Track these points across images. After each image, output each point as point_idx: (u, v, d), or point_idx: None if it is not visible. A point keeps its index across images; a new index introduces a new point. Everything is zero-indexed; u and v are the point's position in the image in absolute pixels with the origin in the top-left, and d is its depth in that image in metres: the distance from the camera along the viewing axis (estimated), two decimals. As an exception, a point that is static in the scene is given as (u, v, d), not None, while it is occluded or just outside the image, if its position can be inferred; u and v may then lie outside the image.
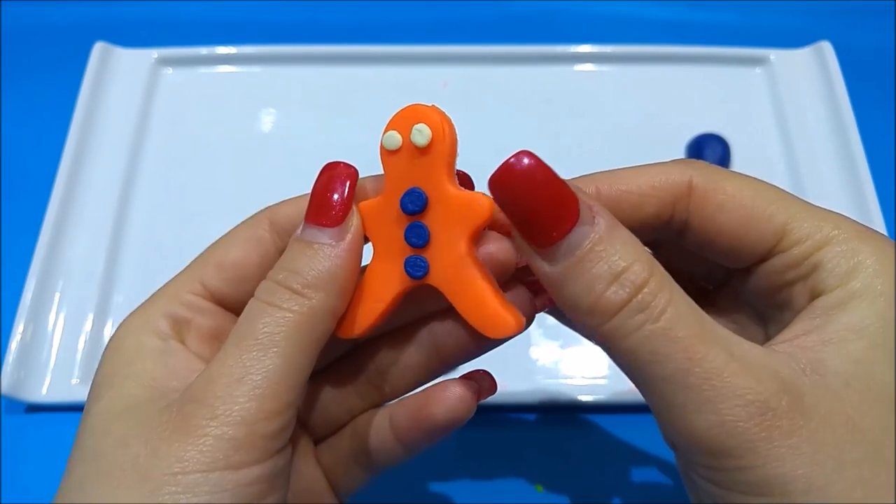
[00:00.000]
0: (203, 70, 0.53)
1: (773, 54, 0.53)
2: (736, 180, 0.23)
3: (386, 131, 0.23)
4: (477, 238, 0.23)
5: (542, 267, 0.20)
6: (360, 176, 0.24)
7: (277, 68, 0.53)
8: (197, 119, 0.51)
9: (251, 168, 0.49)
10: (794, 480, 0.18)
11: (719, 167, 0.23)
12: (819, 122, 0.50)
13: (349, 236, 0.23)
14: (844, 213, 0.46)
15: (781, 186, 0.49)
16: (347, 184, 0.23)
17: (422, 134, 0.22)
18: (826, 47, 0.52)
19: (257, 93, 0.52)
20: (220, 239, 0.26)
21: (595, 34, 0.56)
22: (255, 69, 0.53)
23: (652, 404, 0.20)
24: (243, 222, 0.26)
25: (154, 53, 0.53)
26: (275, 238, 0.25)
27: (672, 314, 0.19)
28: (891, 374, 0.19)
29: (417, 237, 0.23)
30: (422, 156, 0.23)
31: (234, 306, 0.25)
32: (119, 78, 0.52)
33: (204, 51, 0.53)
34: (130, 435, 0.21)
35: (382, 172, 0.24)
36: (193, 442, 0.20)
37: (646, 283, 0.19)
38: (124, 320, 0.25)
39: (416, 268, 0.23)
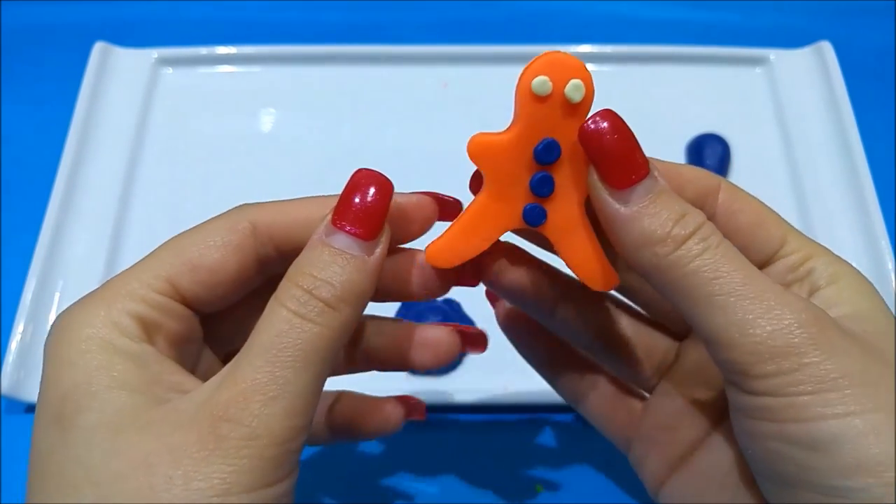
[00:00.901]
0: (203, 70, 0.53)
1: (773, 54, 0.53)
2: (751, 196, 0.27)
3: (535, 74, 0.23)
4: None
5: (616, 208, 0.23)
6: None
7: (277, 68, 0.53)
8: (197, 119, 0.51)
9: (251, 168, 0.49)
10: (853, 373, 0.20)
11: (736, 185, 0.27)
12: (819, 122, 0.50)
13: (379, 251, 0.23)
14: (845, 213, 0.47)
15: (781, 186, 0.49)
16: (384, 199, 0.23)
17: (579, 91, 0.23)
18: (826, 47, 0.52)
19: (257, 93, 0.52)
20: (191, 234, 0.24)
21: (595, 34, 0.56)
22: (255, 69, 0.53)
23: (710, 325, 0.22)
24: (219, 219, 0.25)
25: (154, 53, 0.53)
26: (256, 245, 0.24)
27: (727, 246, 0.22)
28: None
29: (544, 188, 0.24)
30: (569, 110, 0.23)
31: (203, 309, 0.25)
32: (119, 78, 0.52)
33: (204, 51, 0.53)
34: (153, 453, 0.20)
35: (421, 191, 0.24)
36: (234, 463, 0.20)
37: (703, 223, 0.23)
38: (70, 318, 0.22)
39: (536, 216, 0.24)
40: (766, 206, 0.26)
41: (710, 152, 0.49)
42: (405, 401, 0.31)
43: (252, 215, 0.25)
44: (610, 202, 0.23)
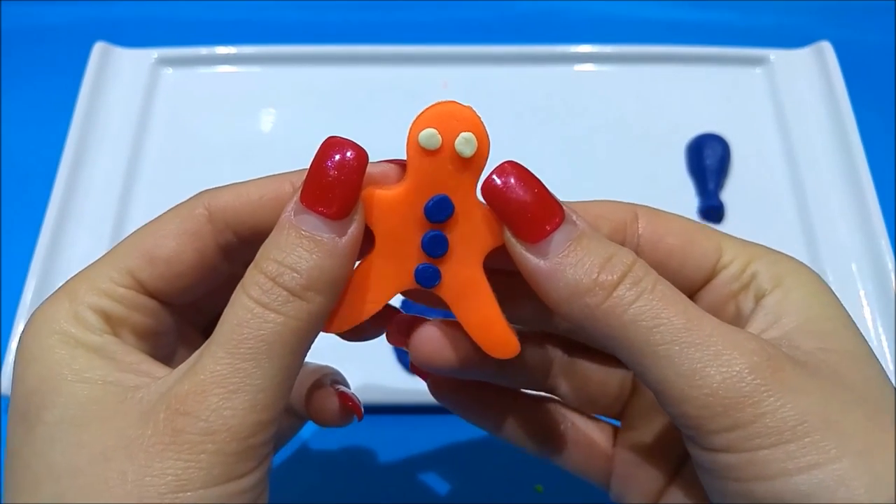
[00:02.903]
0: (203, 70, 0.53)
1: (773, 54, 0.53)
2: (671, 214, 0.25)
3: (423, 126, 0.21)
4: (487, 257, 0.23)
5: (536, 263, 0.21)
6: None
7: (277, 68, 0.53)
8: (197, 119, 0.51)
9: (251, 168, 0.49)
10: (812, 417, 0.19)
11: (653, 207, 0.25)
12: (819, 122, 0.50)
13: (352, 231, 0.21)
14: (844, 214, 0.47)
15: (781, 186, 0.49)
16: (358, 171, 0.21)
17: (470, 145, 0.21)
18: (826, 47, 0.52)
19: (257, 93, 0.52)
20: (149, 225, 0.23)
21: (595, 34, 0.56)
22: (255, 69, 0.53)
23: (657, 378, 0.20)
24: (177, 208, 0.24)
25: (154, 53, 0.53)
26: (213, 231, 0.23)
27: (664, 286, 0.21)
28: (854, 340, 0.21)
29: (436, 248, 0.22)
30: (460, 165, 0.21)
31: (170, 300, 0.24)
32: (119, 78, 0.52)
33: (204, 51, 0.53)
34: (110, 447, 0.19)
35: (387, 159, 0.23)
36: (190, 458, 0.19)
37: (634, 264, 0.21)
38: (36, 315, 0.22)
39: (429, 278, 0.23)
40: (690, 221, 0.25)
41: (710, 152, 0.49)
42: (343, 398, 0.28)
43: (207, 200, 0.23)
44: (529, 258, 0.21)
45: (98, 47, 0.52)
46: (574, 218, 0.22)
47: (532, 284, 0.22)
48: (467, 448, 0.40)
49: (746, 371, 0.19)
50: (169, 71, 0.53)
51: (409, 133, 0.21)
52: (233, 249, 0.24)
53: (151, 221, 0.24)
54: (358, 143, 0.21)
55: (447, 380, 0.29)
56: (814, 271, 0.23)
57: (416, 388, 0.41)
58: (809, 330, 0.21)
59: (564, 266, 0.21)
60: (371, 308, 0.23)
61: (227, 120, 0.51)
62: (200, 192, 0.24)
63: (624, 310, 0.20)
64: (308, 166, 0.21)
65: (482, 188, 0.21)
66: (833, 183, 0.48)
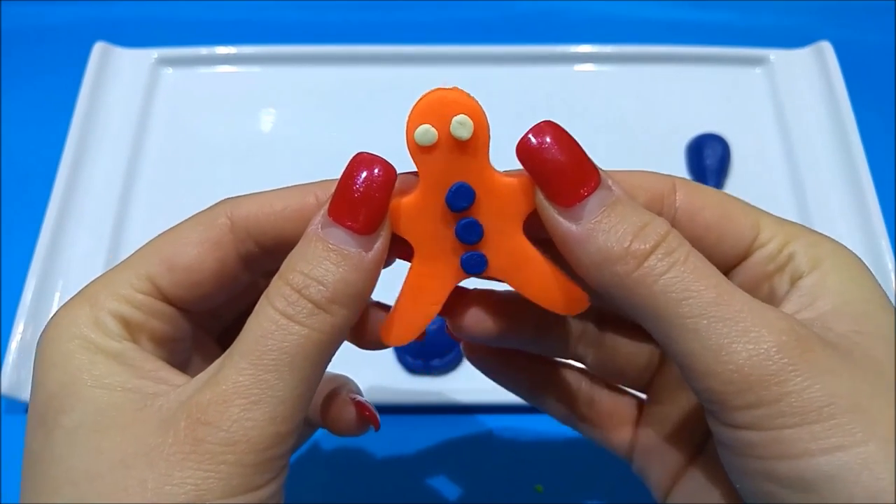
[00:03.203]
0: (203, 70, 0.53)
1: (773, 54, 0.53)
2: (710, 189, 0.24)
3: (415, 124, 0.21)
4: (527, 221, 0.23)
5: (568, 227, 0.21)
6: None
7: (277, 68, 0.53)
8: (197, 119, 0.51)
9: (251, 168, 0.49)
10: (840, 400, 0.18)
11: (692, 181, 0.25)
12: (819, 122, 0.50)
13: (378, 246, 0.21)
14: (845, 213, 0.47)
15: (781, 186, 0.49)
16: (386, 188, 0.21)
17: (465, 127, 0.21)
18: (826, 47, 0.52)
19: (257, 93, 0.52)
20: (170, 232, 0.24)
21: (595, 34, 0.56)
22: (255, 69, 0.53)
23: (684, 350, 0.20)
24: (198, 216, 0.24)
25: (154, 53, 0.53)
26: (235, 240, 0.23)
27: (696, 258, 0.20)
28: (892, 323, 0.21)
29: (472, 234, 0.22)
30: (463, 148, 0.21)
31: (189, 307, 0.24)
32: (119, 78, 0.52)
33: (204, 51, 0.53)
34: (130, 454, 0.19)
35: (407, 172, 0.23)
36: (210, 468, 0.19)
37: (668, 233, 0.21)
38: (57, 320, 0.22)
39: (476, 264, 0.23)
40: (729, 196, 0.24)
41: (710, 152, 0.49)
42: (360, 407, 0.28)
43: (230, 210, 0.23)
44: (561, 222, 0.21)
45: (98, 47, 0.52)
46: (610, 183, 0.21)
47: (562, 249, 0.22)
48: (467, 448, 0.40)
49: (774, 349, 0.19)
50: (169, 71, 0.53)
51: (406, 134, 0.21)
52: (253, 259, 0.24)
53: (172, 228, 0.24)
54: (386, 159, 0.21)
55: (480, 345, 0.29)
56: (854, 253, 0.23)
57: (416, 389, 0.41)
58: (845, 312, 0.21)
59: (597, 232, 0.21)
60: (432, 310, 0.23)
61: (227, 120, 0.51)
62: (222, 201, 0.24)
63: (654, 280, 0.20)
64: (337, 179, 0.21)
65: (517, 147, 0.21)
66: (833, 183, 0.48)
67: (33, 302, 0.43)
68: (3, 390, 0.40)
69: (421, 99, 0.21)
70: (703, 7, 0.59)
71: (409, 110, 0.21)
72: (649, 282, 0.20)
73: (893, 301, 0.35)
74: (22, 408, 0.42)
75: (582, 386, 0.30)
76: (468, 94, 0.21)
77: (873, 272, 0.23)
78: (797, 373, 0.19)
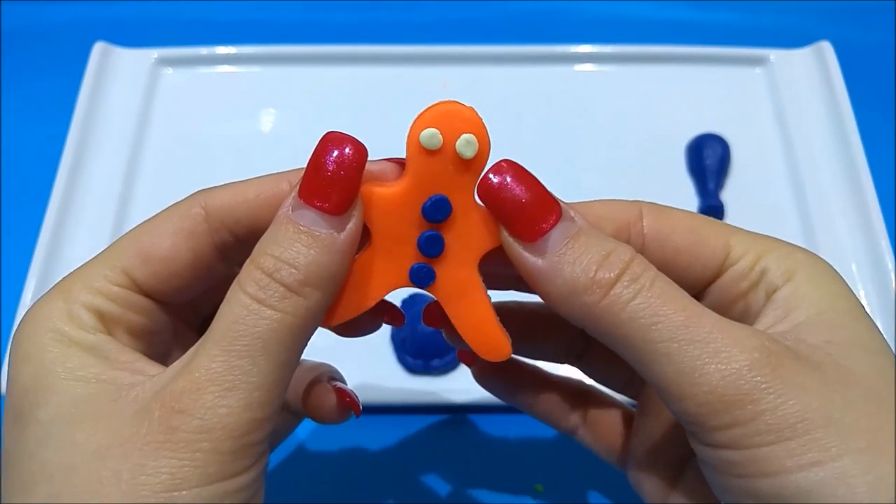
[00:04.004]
0: (203, 70, 0.53)
1: (773, 54, 0.53)
2: (679, 210, 0.24)
3: (425, 126, 0.21)
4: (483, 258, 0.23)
5: (534, 262, 0.21)
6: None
7: (277, 68, 0.53)
8: (197, 119, 0.51)
9: (251, 168, 0.49)
10: (813, 415, 0.19)
11: (660, 204, 0.25)
12: (819, 122, 0.50)
13: (350, 226, 0.21)
14: (844, 214, 0.47)
15: (781, 186, 0.49)
16: (357, 167, 0.20)
17: (471, 146, 0.21)
18: (826, 47, 0.52)
19: (257, 93, 0.52)
20: (145, 224, 0.23)
21: (595, 34, 0.56)
22: (255, 69, 0.53)
23: (657, 375, 0.20)
24: (173, 207, 0.24)
25: (154, 53, 0.53)
26: (210, 230, 0.23)
27: (662, 282, 0.21)
28: (866, 331, 0.21)
29: (433, 248, 0.22)
30: (460, 166, 0.21)
31: (165, 299, 0.23)
32: (119, 78, 0.52)
33: (204, 51, 0.53)
34: (104, 446, 0.19)
35: (386, 158, 0.23)
36: (185, 457, 0.19)
37: (632, 261, 0.21)
38: (30, 314, 0.22)
39: (423, 277, 0.23)
40: (698, 217, 0.24)
41: (710, 152, 0.49)
42: (341, 394, 0.28)
43: (204, 200, 0.23)
44: (526, 257, 0.21)
45: (98, 47, 0.52)
46: (572, 214, 0.21)
47: (530, 283, 0.22)
48: (467, 448, 0.40)
49: (746, 368, 0.19)
50: (169, 71, 0.53)
51: (411, 131, 0.21)
52: (229, 249, 0.24)
53: (147, 220, 0.24)
54: (357, 138, 0.21)
55: (490, 369, 0.30)
56: (827, 263, 0.23)
57: (416, 389, 0.41)
58: (818, 322, 0.21)
59: (562, 264, 0.21)
60: (365, 304, 0.23)
61: (227, 120, 0.51)
62: (197, 192, 0.24)
63: (622, 307, 0.20)
64: (307, 162, 0.21)
65: (478, 187, 0.21)
66: (833, 183, 0.48)
67: (33, 302, 0.42)
68: (3, 390, 0.40)
69: (436, 105, 0.21)
70: (703, 7, 0.59)
71: (422, 110, 0.21)
72: (617, 310, 0.20)
73: (893, 301, 0.35)
74: (22, 408, 0.42)
75: (580, 399, 0.31)
76: (480, 117, 0.21)
77: (873, 272, 0.23)
78: (769, 390, 0.19)
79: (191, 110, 0.51)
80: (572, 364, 0.30)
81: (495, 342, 0.23)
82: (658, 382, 0.20)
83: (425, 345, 0.41)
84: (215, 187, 0.24)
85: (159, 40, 0.54)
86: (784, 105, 0.51)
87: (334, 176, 0.20)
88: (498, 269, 0.23)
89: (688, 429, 0.21)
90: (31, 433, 0.20)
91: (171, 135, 0.51)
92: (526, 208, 0.21)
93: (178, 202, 0.24)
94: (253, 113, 0.52)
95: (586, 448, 0.31)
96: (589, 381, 0.31)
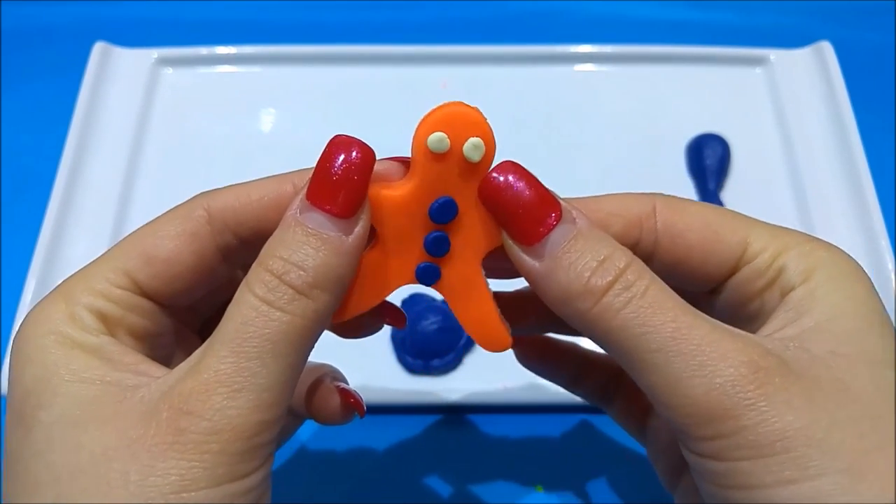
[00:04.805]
0: (203, 70, 0.53)
1: (773, 54, 0.53)
2: (696, 204, 0.24)
3: (432, 129, 0.21)
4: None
5: (531, 264, 0.21)
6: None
7: (277, 68, 0.53)
8: (197, 119, 0.51)
9: (251, 168, 0.49)
10: (794, 434, 0.18)
11: (678, 197, 0.24)
12: (819, 122, 0.50)
13: (358, 230, 0.21)
14: (844, 214, 0.47)
15: (781, 186, 0.49)
16: (365, 170, 0.21)
17: (478, 150, 0.21)
18: (826, 47, 0.52)
19: (257, 93, 0.52)
20: (147, 226, 0.23)
21: (595, 34, 0.56)
22: (255, 69, 0.53)
23: (646, 383, 0.20)
24: (176, 209, 0.24)
25: (154, 53, 0.53)
26: (213, 232, 0.23)
27: (656, 291, 0.20)
28: (878, 341, 0.20)
29: (439, 248, 0.23)
30: (466, 168, 0.22)
31: (168, 302, 0.23)
32: (119, 78, 0.52)
33: (204, 51, 0.53)
34: (111, 447, 0.19)
35: (390, 157, 0.23)
36: (194, 458, 0.19)
37: (628, 266, 0.21)
38: (32, 317, 0.22)
39: (429, 276, 0.23)
40: (716, 211, 0.24)
41: (710, 152, 0.49)
42: (345, 395, 0.28)
43: (207, 201, 0.23)
44: (525, 259, 0.21)
45: (98, 47, 0.52)
46: (574, 215, 0.21)
47: (529, 284, 0.22)
48: (467, 448, 0.40)
49: (729, 384, 0.19)
50: (169, 71, 0.53)
51: (417, 134, 0.21)
52: (232, 251, 0.24)
53: (149, 222, 0.23)
54: (364, 141, 0.21)
55: (531, 349, 0.31)
56: (853, 261, 0.22)
57: (416, 389, 0.41)
58: (827, 330, 0.20)
59: (558, 269, 0.21)
60: (370, 302, 0.23)
61: (227, 120, 0.51)
62: (199, 194, 0.24)
63: (613, 315, 0.20)
64: (314, 164, 0.21)
65: (480, 188, 0.22)
66: (833, 183, 0.48)
67: (33, 302, 0.42)
68: (3, 390, 0.40)
69: (443, 107, 0.21)
70: (703, 7, 0.59)
71: (428, 112, 0.21)
72: (608, 317, 0.20)
73: (894, 301, 0.34)
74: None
75: (611, 377, 0.31)
76: (486, 119, 0.22)
77: (873, 272, 0.23)
78: (752, 407, 0.19)
79: (191, 110, 0.51)
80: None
81: (497, 335, 0.24)
82: (647, 389, 0.20)
83: (425, 345, 0.41)
84: (218, 189, 0.24)
85: (159, 40, 0.54)
86: (784, 105, 0.51)
87: (342, 179, 0.20)
88: (501, 264, 0.23)
89: (676, 434, 0.21)
90: (36, 435, 0.20)
91: (171, 135, 0.51)
92: (525, 211, 0.21)
93: (180, 204, 0.24)
94: (253, 113, 0.52)
95: (586, 440, 0.32)
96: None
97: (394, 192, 0.22)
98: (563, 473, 0.40)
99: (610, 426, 0.41)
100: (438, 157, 0.21)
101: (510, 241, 0.22)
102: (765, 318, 0.22)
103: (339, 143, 0.21)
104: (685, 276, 0.24)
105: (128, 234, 0.24)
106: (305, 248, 0.20)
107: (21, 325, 0.22)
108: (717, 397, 0.19)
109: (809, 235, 0.23)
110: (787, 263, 0.22)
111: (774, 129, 0.51)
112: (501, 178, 0.21)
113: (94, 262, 0.23)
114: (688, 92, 0.52)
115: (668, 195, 0.24)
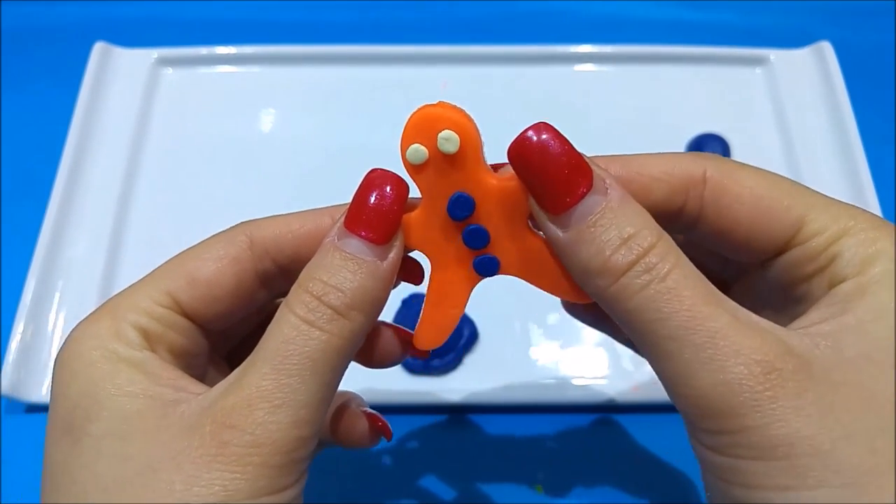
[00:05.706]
0: (203, 70, 0.53)
1: (773, 54, 0.53)
2: (752, 172, 0.23)
3: (406, 145, 0.22)
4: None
5: (555, 233, 0.21)
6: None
7: (277, 68, 0.53)
8: (197, 119, 0.51)
9: (251, 168, 0.49)
10: (799, 442, 0.18)
11: (734, 160, 0.23)
12: (819, 122, 0.50)
13: (392, 255, 0.22)
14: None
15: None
16: (399, 202, 0.22)
17: (450, 142, 0.21)
18: (826, 47, 0.52)
19: (257, 93, 0.52)
20: (191, 249, 0.24)
21: (595, 34, 0.56)
22: (255, 69, 0.53)
23: (658, 368, 0.20)
24: (218, 235, 0.25)
25: (154, 53, 0.53)
26: (253, 258, 0.24)
27: (678, 276, 0.20)
28: None
29: (478, 240, 0.23)
30: (453, 161, 0.22)
31: (207, 323, 0.24)
32: (119, 78, 0.52)
33: (204, 51, 0.53)
34: (156, 459, 0.20)
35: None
36: (237, 470, 0.19)
37: (653, 246, 0.20)
38: (78, 332, 0.23)
39: (488, 267, 0.24)
40: (776, 182, 0.22)
41: (709, 152, 0.49)
42: (372, 419, 0.29)
43: (249, 229, 0.24)
44: (551, 228, 0.21)
45: (98, 47, 0.52)
46: (606, 185, 0.20)
47: (555, 250, 0.22)
48: (467, 448, 0.40)
49: (737, 382, 0.18)
50: (169, 71, 0.53)
51: (401, 155, 0.22)
52: (270, 277, 0.25)
53: (193, 246, 0.24)
54: (398, 174, 0.22)
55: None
56: None
57: (416, 389, 0.41)
58: (868, 331, 0.19)
59: (580, 242, 0.20)
60: (455, 313, 0.24)
61: (227, 120, 0.51)
62: (242, 222, 0.25)
63: (629, 296, 0.20)
64: (348, 203, 0.22)
65: (509, 149, 0.21)
66: (833, 183, 0.48)
67: (33, 302, 0.43)
68: (3, 390, 0.40)
69: (409, 118, 0.22)
70: (703, 7, 0.59)
71: (402, 130, 0.22)
72: (624, 298, 0.20)
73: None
74: (22, 408, 0.42)
75: None
76: (453, 107, 0.22)
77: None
78: (757, 409, 0.18)
79: (191, 110, 0.51)
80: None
81: (576, 292, 0.23)
82: (658, 373, 0.21)
83: (425, 345, 0.41)
84: (260, 219, 0.25)
85: (159, 40, 0.54)
86: (784, 105, 0.51)
87: (378, 208, 0.22)
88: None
89: (684, 420, 0.21)
90: (83, 447, 0.21)
91: (171, 135, 0.51)
92: (551, 179, 0.20)
93: (223, 231, 0.25)
94: (253, 113, 0.52)
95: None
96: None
97: (412, 214, 0.23)
98: (563, 473, 0.40)
99: (610, 426, 0.41)
100: (423, 166, 0.22)
101: (537, 208, 0.21)
102: (808, 304, 0.21)
103: (376, 178, 0.22)
104: (729, 248, 0.23)
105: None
106: (344, 272, 0.21)
107: (67, 341, 0.23)
108: (724, 393, 0.19)
109: (878, 218, 0.21)
110: (843, 251, 0.20)
111: (774, 129, 0.51)
112: (535, 139, 0.20)
113: (139, 281, 0.24)
114: (688, 92, 0.52)
115: (722, 158, 0.23)
